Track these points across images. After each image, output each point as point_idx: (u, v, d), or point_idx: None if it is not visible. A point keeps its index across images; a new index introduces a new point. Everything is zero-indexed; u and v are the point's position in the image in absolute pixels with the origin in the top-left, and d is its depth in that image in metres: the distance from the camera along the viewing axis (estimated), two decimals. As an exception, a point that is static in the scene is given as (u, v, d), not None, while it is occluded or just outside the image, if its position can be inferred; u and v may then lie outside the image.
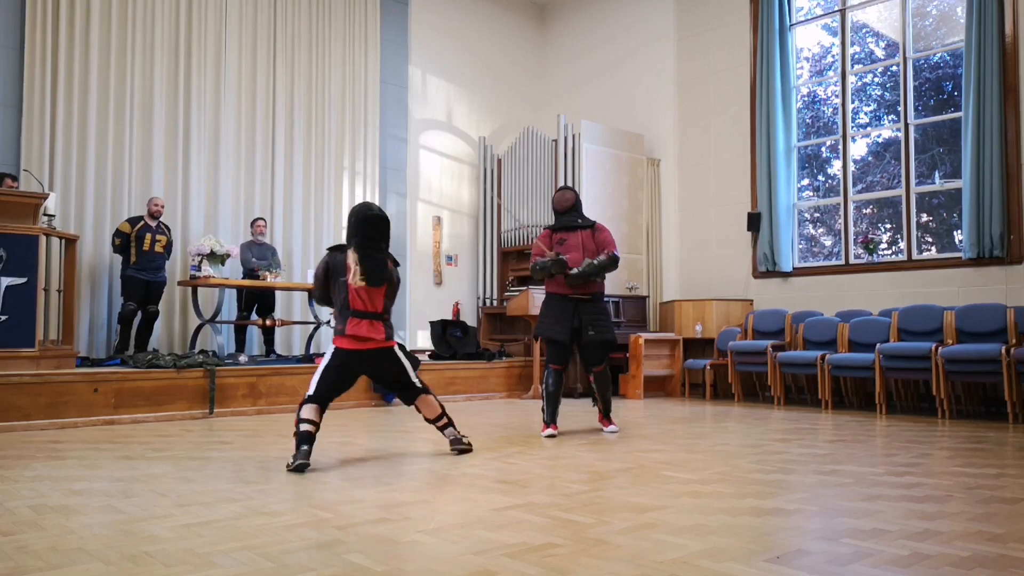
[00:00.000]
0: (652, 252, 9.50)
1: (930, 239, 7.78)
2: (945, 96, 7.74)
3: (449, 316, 9.76)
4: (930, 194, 7.71)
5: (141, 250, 7.14)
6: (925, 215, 7.84)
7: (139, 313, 7.19)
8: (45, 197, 5.99)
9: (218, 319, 7.45)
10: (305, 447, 3.95)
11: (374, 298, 4.20)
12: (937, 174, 7.60)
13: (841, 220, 8.22)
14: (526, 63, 11.08)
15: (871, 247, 7.88)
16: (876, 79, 8.27)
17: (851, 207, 8.15)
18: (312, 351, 7.92)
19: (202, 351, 7.23)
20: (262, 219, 8.09)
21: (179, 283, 7.70)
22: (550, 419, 5.32)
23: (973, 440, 5.06)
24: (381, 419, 6.35)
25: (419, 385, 4.44)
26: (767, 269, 8.44)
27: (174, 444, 4.91)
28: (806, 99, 8.81)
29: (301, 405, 4.14)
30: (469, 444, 4.54)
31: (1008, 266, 6.84)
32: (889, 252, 7.96)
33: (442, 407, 4.53)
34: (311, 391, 4.17)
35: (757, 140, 8.59)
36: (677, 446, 4.82)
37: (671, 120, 9.57)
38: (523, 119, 10.55)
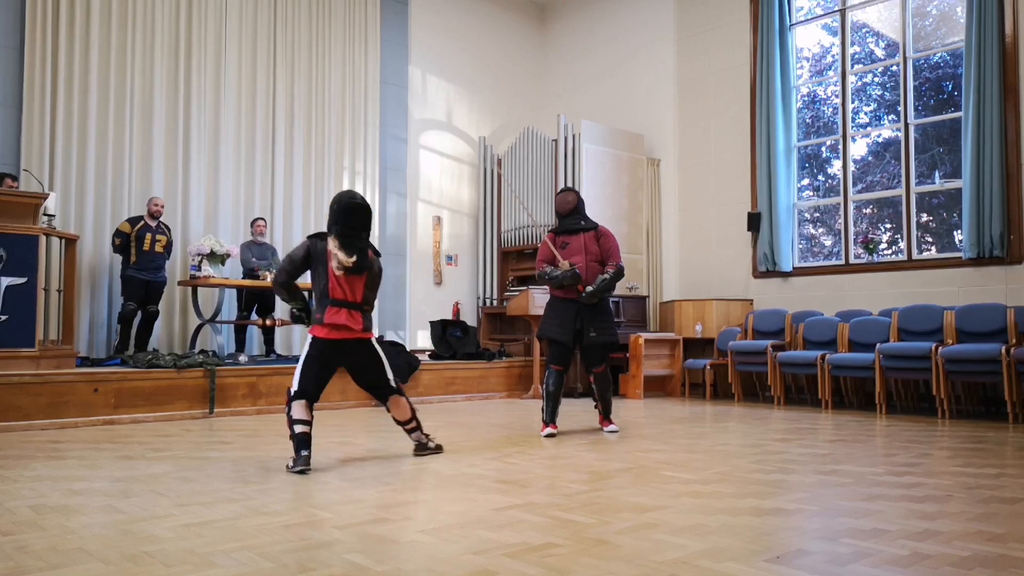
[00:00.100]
0: (652, 252, 9.50)
1: (930, 239, 7.78)
2: (945, 96, 7.74)
3: (449, 316, 9.77)
4: (930, 194, 7.71)
5: (141, 250, 7.14)
6: (925, 215, 7.84)
7: (139, 313, 7.19)
8: (45, 197, 5.99)
9: (218, 319, 7.45)
10: (304, 452, 3.92)
11: (354, 287, 4.14)
12: (937, 174, 7.60)
13: (841, 220, 8.22)
14: (526, 63, 11.09)
15: (871, 247, 7.88)
16: (876, 79, 8.27)
17: (851, 207, 8.15)
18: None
19: (202, 351, 7.23)
20: (262, 219, 8.09)
21: (179, 283, 7.70)
22: (549, 418, 5.33)
23: (973, 440, 5.06)
24: (381, 419, 6.35)
25: (393, 385, 4.36)
26: (767, 269, 8.44)
27: (174, 444, 4.90)
28: (806, 99, 8.81)
29: (289, 403, 4.08)
30: (438, 446, 4.49)
31: (1008, 266, 6.84)
32: (889, 252, 7.96)
33: (413, 411, 4.44)
34: (295, 386, 4.10)
35: (757, 140, 8.59)
36: (677, 446, 4.82)
37: (671, 120, 9.57)
38: (523, 119, 10.55)
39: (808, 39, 8.84)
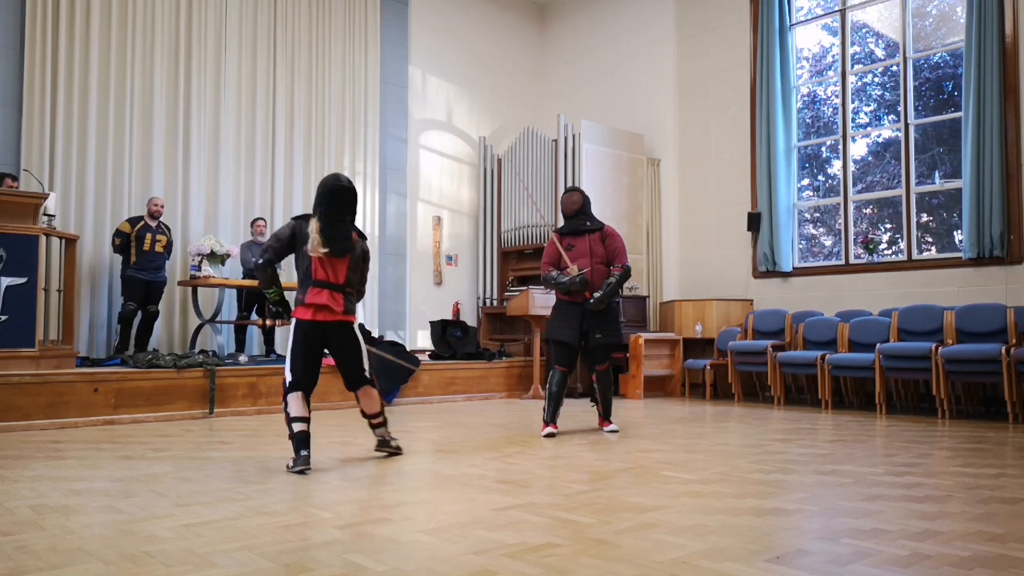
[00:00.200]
0: (652, 252, 9.50)
1: (930, 239, 7.78)
2: (945, 96, 7.74)
3: (449, 316, 9.76)
4: (930, 194, 7.71)
5: (141, 250, 7.14)
6: (925, 215, 7.84)
7: (139, 313, 7.19)
8: (45, 197, 5.99)
9: (218, 319, 7.45)
10: (304, 452, 3.92)
11: (337, 269, 4.12)
12: (937, 174, 7.60)
13: (841, 220, 8.22)
14: (526, 63, 11.08)
15: (871, 247, 7.88)
16: (876, 79, 8.27)
17: (851, 207, 8.15)
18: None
19: (202, 351, 7.23)
20: (262, 219, 8.09)
21: (179, 283, 7.70)
22: (550, 418, 5.33)
23: (973, 440, 5.06)
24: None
25: (367, 375, 4.33)
26: (767, 269, 8.44)
27: (174, 444, 4.91)
28: (806, 99, 8.81)
29: (285, 396, 4.08)
30: (398, 447, 4.46)
31: (1008, 266, 6.84)
32: (889, 252, 7.96)
33: (383, 405, 4.42)
34: (289, 376, 4.10)
35: (757, 140, 8.59)
36: (677, 446, 4.82)
37: (671, 120, 9.57)
38: (523, 119, 10.55)
39: (808, 39, 8.84)
